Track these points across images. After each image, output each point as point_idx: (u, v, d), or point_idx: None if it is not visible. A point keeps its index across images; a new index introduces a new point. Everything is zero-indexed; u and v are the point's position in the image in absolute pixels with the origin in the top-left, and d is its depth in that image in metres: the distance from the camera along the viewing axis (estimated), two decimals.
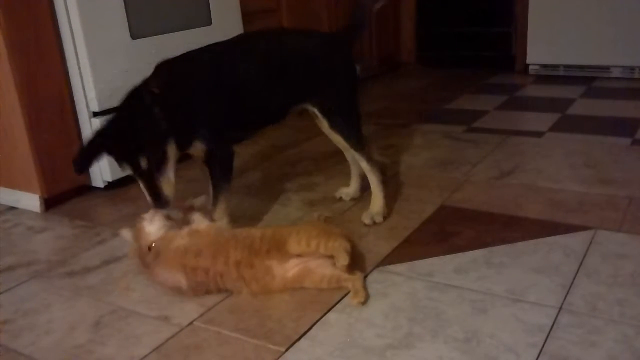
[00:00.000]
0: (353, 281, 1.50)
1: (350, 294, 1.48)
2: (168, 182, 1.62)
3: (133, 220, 2.00)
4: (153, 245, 1.55)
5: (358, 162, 1.98)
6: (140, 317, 1.47)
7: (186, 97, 1.68)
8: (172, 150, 1.63)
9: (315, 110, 1.84)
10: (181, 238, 1.55)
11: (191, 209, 1.66)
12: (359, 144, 1.88)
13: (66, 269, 1.75)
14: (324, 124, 1.85)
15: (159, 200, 1.62)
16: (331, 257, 1.49)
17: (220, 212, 1.74)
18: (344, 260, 1.46)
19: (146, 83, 1.64)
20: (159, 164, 1.60)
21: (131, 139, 1.56)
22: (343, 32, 1.95)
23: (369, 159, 1.89)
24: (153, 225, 1.57)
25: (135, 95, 1.62)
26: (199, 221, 1.62)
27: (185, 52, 1.76)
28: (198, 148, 1.72)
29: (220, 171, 1.76)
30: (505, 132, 2.75)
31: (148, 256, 1.55)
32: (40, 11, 2.06)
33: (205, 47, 1.79)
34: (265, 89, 1.78)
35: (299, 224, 1.62)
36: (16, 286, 1.67)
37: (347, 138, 1.86)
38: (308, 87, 1.82)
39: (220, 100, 1.71)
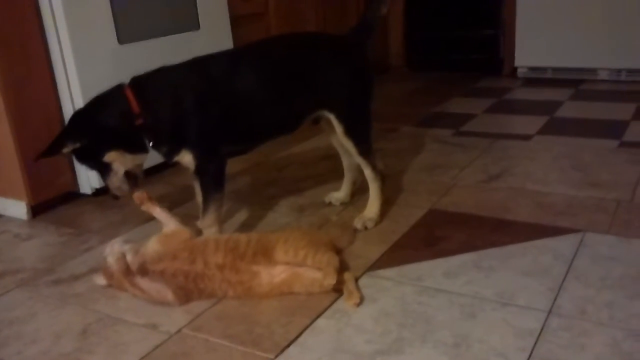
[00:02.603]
0: (346, 283, 1.50)
1: (344, 296, 1.48)
2: (110, 183, 1.72)
3: (120, 228, 2.00)
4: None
5: (356, 169, 1.98)
6: (127, 324, 1.46)
7: (171, 108, 1.67)
8: (116, 161, 1.68)
9: (332, 116, 1.81)
10: (153, 243, 1.56)
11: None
12: (368, 151, 1.87)
13: (53, 277, 1.73)
14: (338, 130, 1.82)
15: (110, 194, 1.76)
16: None
17: (209, 221, 1.73)
18: (331, 279, 1.44)
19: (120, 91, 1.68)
20: (102, 171, 1.70)
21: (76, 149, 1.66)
22: (356, 34, 1.89)
23: (374, 168, 1.89)
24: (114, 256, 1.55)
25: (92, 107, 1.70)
26: (169, 221, 1.62)
27: (180, 62, 1.74)
28: (186, 159, 1.71)
29: (210, 182, 1.74)
30: (493, 136, 2.75)
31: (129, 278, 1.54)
32: (26, 16, 2.04)
33: (203, 57, 1.76)
34: (275, 99, 1.75)
35: (287, 230, 1.61)
36: (2, 295, 1.65)
37: (358, 145, 1.84)
38: (324, 93, 1.79)
39: (214, 113, 1.68)
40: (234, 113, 1.71)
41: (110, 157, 1.66)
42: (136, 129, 1.65)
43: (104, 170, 1.70)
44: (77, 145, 1.63)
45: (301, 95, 1.78)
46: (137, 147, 1.70)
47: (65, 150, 1.63)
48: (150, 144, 1.69)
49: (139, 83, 1.68)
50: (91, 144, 1.64)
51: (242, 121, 1.73)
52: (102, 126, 1.65)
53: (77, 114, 1.70)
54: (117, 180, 1.70)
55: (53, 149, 1.65)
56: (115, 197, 1.76)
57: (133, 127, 1.65)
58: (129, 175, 1.72)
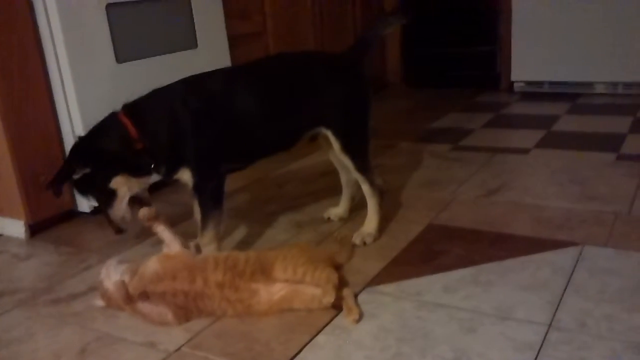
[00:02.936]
0: (345, 298, 1.49)
1: (344, 312, 1.48)
2: (114, 213, 1.72)
3: (119, 246, 1.99)
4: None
5: (355, 185, 1.99)
6: (126, 343, 1.46)
7: (167, 129, 1.68)
8: (122, 186, 1.69)
9: (329, 133, 1.82)
10: (153, 263, 1.55)
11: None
12: (366, 167, 1.87)
13: (51, 297, 1.73)
14: (335, 146, 1.83)
15: (112, 227, 1.75)
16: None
17: (207, 239, 1.73)
18: (330, 297, 1.44)
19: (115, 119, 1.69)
20: (106, 200, 1.70)
21: (78, 180, 1.67)
22: (353, 52, 1.91)
23: (372, 183, 1.89)
24: (112, 281, 1.54)
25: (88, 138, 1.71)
26: (171, 244, 1.61)
27: (177, 80, 1.75)
28: (185, 177, 1.71)
29: (209, 199, 1.74)
30: (491, 150, 2.76)
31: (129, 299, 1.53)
32: (24, 35, 2.05)
33: (196, 75, 1.78)
34: (270, 117, 1.76)
35: (285, 247, 1.61)
36: (0, 315, 1.65)
37: (356, 161, 1.85)
38: (321, 110, 1.80)
39: (210, 131, 1.69)
40: (229, 131, 1.72)
41: (117, 182, 1.67)
42: (137, 152, 1.67)
43: (109, 198, 1.69)
44: (87, 170, 1.63)
45: (298, 113, 1.79)
46: (141, 170, 1.71)
47: (76, 176, 1.64)
48: (151, 166, 1.70)
49: (133, 108, 1.70)
50: (98, 170, 1.65)
51: (237, 139, 1.74)
52: (107, 151, 1.67)
53: (79, 142, 1.71)
54: (121, 209, 1.71)
55: (63, 176, 1.66)
56: (119, 231, 1.75)
57: (134, 152, 1.66)
58: (136, 200, 1.72)
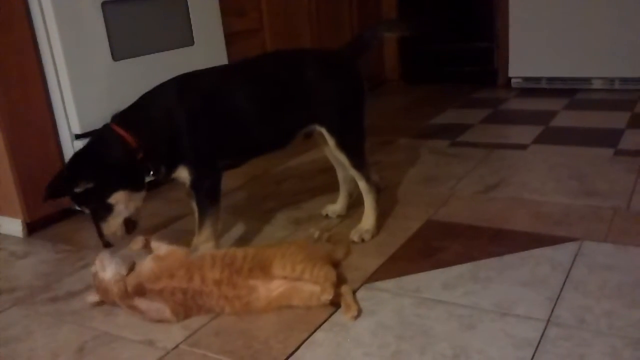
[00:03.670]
0: (343, 295, 1.49)
1: (342, 309, 1.47)
2: (108, 228, 1.68)
3: (116, 244, 1.98)
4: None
5: (351, 181, 1.98)
6: (125, 341, 1.45)
7: (164, 132, 1.67)
8: (120, 203, 1.65)
9: (323, 130, 1.82)
10: (148, 262, 1.54)
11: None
12: (361, 163, 1.86)
13: (49, 295, 1.72)
14: (330, 143, 1.83)
15: (101, 240, 1.70)
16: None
17: (205, 237, 1.72)
18: (328, 294, 1.43)
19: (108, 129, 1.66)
20: (102, 214, 1.66)
21: (74, 192, 1.62)
22: (349, 49, 1.91)
23: (368, 179, 1.88)
24: (107, 272, 1.54)
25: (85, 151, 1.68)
26: (160, 246, 1.60)
27: (173, 77, 1.74)
28: (182, 175, 1.71)
29: (206, 196, 1.73)
30: (489, 146, 2.76)
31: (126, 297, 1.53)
32: (20, 34, 2.04)
33: (194, 72, 1.76)
34: (263, 116, 1.76)
35: (283, 244, 1.61)
36: None
37: (351, 157, 1.84)
38: (315, 108, 1.79)
39: (205, 129, 1.68)
40: (223, 128, 1.71)
41: (116, 198, 1.64)
42: (139, 163, 1.65)
43: (105, 213, 1.66)
44: (90, 185, 1.59)
45: (292, 110, 1.79)
46: (139, 184, 1.69)
47: (78, 189, 1.60)
48: (151, 173, 1.69)
49: (125, 118, 1.67)
50: (100, 185, 1.62)
51: (231, 136, 1.73)
52: (109, 165, 1.63)
53: (80, 156, 1.68)
54: (114, 224, 1.68)
55: (62, 189, 1.62)
56: (107, 245, 1.71)
57: (136, 162, 1.64)
58: (127, 220, 1.70)
